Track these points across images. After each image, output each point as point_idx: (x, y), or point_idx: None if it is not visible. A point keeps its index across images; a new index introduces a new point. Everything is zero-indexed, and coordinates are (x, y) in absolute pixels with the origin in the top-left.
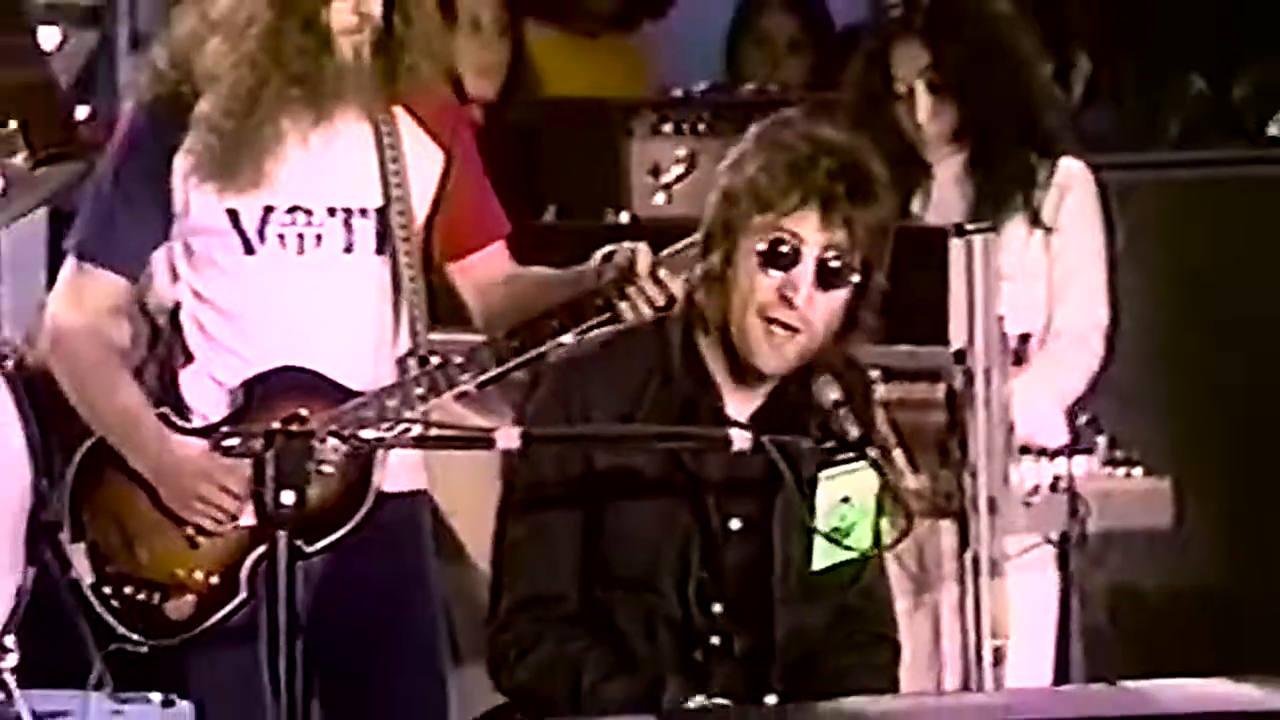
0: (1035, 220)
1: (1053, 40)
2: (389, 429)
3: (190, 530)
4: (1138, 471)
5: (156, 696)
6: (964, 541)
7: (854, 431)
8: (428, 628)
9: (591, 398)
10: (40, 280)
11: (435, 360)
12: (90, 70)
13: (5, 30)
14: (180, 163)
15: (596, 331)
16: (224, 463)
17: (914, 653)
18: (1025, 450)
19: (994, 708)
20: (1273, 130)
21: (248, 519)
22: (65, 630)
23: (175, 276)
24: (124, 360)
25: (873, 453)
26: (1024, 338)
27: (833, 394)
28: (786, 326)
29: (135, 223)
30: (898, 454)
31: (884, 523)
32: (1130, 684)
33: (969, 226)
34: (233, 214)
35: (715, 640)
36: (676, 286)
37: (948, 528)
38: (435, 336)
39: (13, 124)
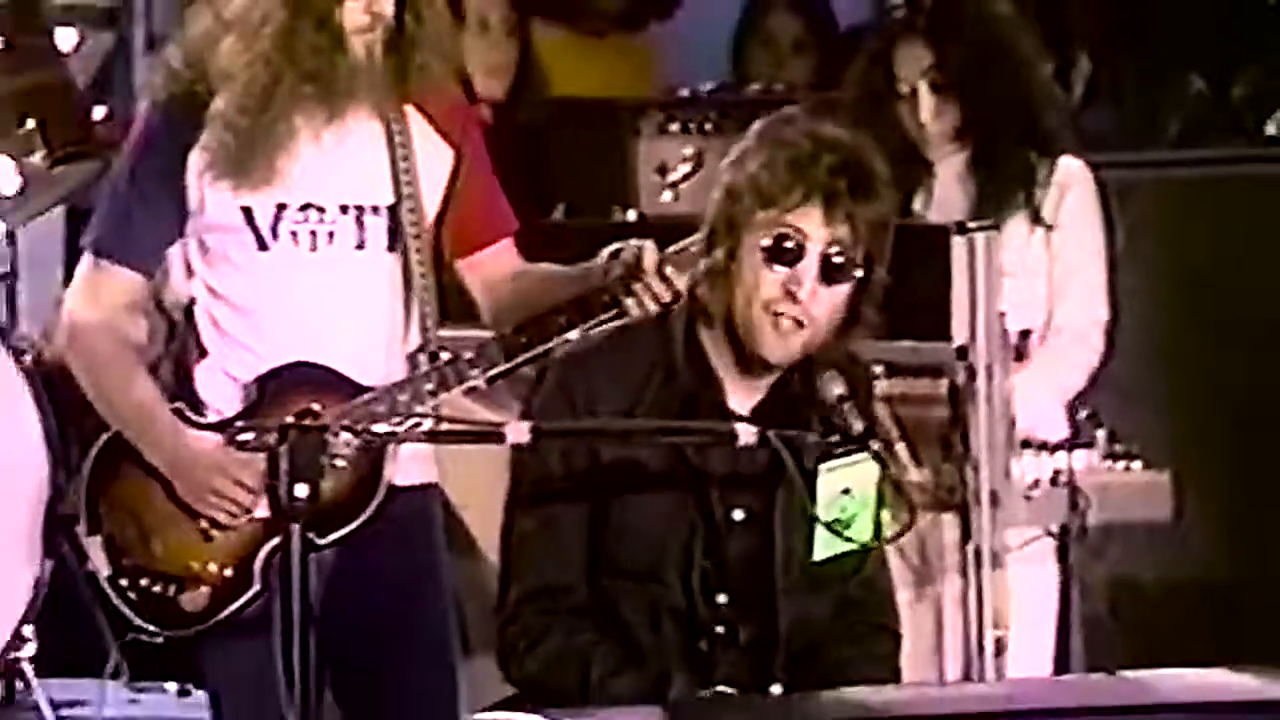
0: (1036, 218)
1: (1053, 40)
2: (400, 423)
3: (205, 523)
4: (1137, 465)
5: (172, 686)
6: (966, 534)
7: (858, 426)
8: (439, 619)
9: (596, 392)
10: (57, 277)
11: (445, 356)
12: (107, 71)
13: (23, 32)
14: (195, 160)
15: (603, 327)
16: (238, 456)
17: (917, 643)
18: (1026, 444)
19: (995, 697)
20: (1271, 129)
21: (261, 512)
22: (82, 621)
23: (190, 273)
24: (140, 356)
25: (876, 446)
26: (1025, 334)
27: (837, 389)
28: (791, 319)
29: (151, 220)
30: (901, 448)
31: (884, 514)
32: (1130, 674)
33: (971, 224)
34: (247, 211)
35: (720, 630)
36: (682, 283)
37: (950, 521)
38: (445, 333)
39: (31, 123)
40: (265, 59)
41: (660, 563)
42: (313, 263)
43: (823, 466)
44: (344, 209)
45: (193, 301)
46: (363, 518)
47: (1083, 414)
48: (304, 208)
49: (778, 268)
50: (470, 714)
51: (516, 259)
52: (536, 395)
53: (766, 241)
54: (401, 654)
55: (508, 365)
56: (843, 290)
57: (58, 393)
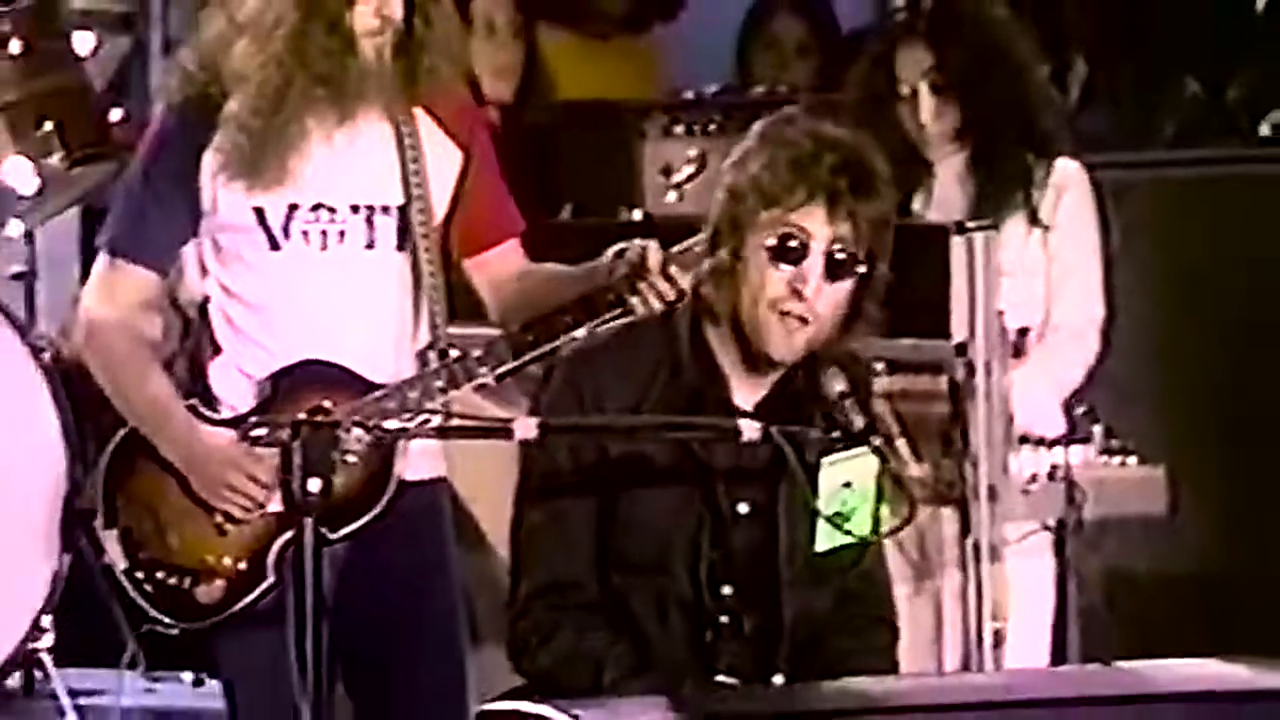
0: (1034, 218)
1: (1050, 44)
2: (410, 419)
3: (219, 517)
4: (1133, 460)
5: (188, 676)
6: (965, 528)
7: (859, 422)
8: (448, 612)
9: (603, 388)
10: (74, 276)
11: (454, 353)
12: (124, 74)
13: (42, 36)
14: (209, 161)
15: (609, 326)
16: (252, 452)
17: (917, 634)
18: (1024, 440)
19: (994, 687)
20: (1265, 130)
21: (274, 506)
22: (99, 613)
23: (204, 271)
24: (155, 352)
25: (877, 442)
26: (1023, 332)
27: (839, 386)
28: (797, 318)
29: (165, 220)
30: (901, 443)
31: (883, 508)
32: (1125, 664)
33: (970, 224)
34: (259, 211)
35: (724, 620)
36: (686, 282)
37: (949, 515)
38: (454, 330)
39: (49, 125)
40: (277, 61)
41: (668, 555)
42: (324, 262)
43: (824, 461)
44: (354, 209)
45: (207, 300)
46: (373, 512)
47: (1079, 410)
48: (315, 208)
49: (783, 266)
50: (479, 704)
51: (523, 259)
52: (545, 392)
53: (771, 241)
54: (411, 646)
55: (516, 363)
56: (846, 287)
57: (75, 389)
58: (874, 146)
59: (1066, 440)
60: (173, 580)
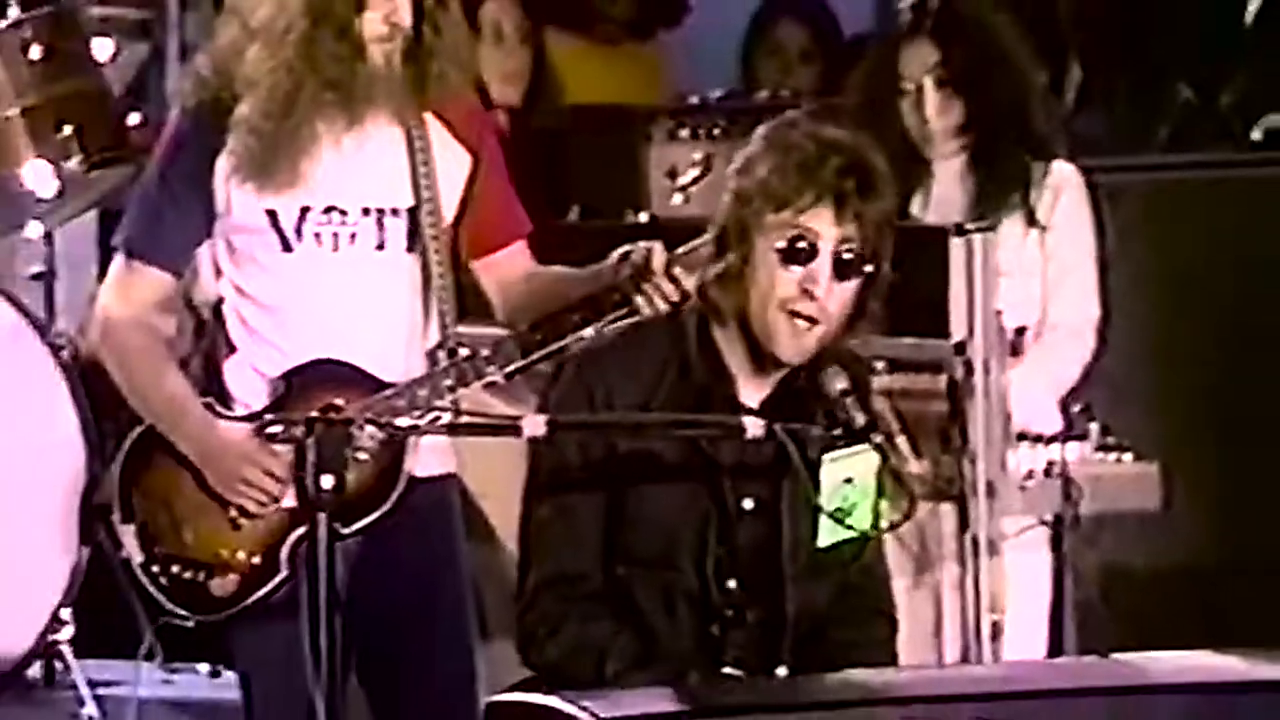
0: (1031, 219)
1: (1047, 49)
2: (420, 417)
3: (234, 512)
4: (1128, 457)
5: (204, 667)
6: (964, 523)
7: (860, 419)
8: (457, 605)
9: (613, 387)
10: (92, 276)
11: (463, 352)
12: (142, 79)
13: (62, 42)
14: (222, 164)
15: (614, 325)
16: (267, 447)
17: (917, 627)
18: (1022, 437)
19: (992, 679)
20: (1257, 135)
21: (288, 502)
22: (118, 605)
23: (218, 272)
24: (170, 351)
25: (878, 439)
26: (1020, 331)
27: (840, 384)
28: (808, 318)
29: (180, 221)
30: (901, 440)
31: (883, 503)
32: (1121, 656)
33: (969, 226)
34: (271, 213)
35: (729, 614)
36: (690, 282)
37: (948, 510)
38: (463, 329)
39: (68, 129)
40: (288, 67)
41: (674, 550)
42: (335, 263)
43: (826, 457)
44: (365, 211)
45: (221, 300)
46: (384, 508)
47: (1076, 408)
48: (327, 210)
49: (793, 268)
50: (489, 695)
51: (530, 261)
52: (555, 389)
53: (781, 243)
54: (422, 638)
55: (524, 361)
56: (853, 286)
57: (93, 386)
58: (875, 148)
59: (1063, 437)
60: (188, 574)
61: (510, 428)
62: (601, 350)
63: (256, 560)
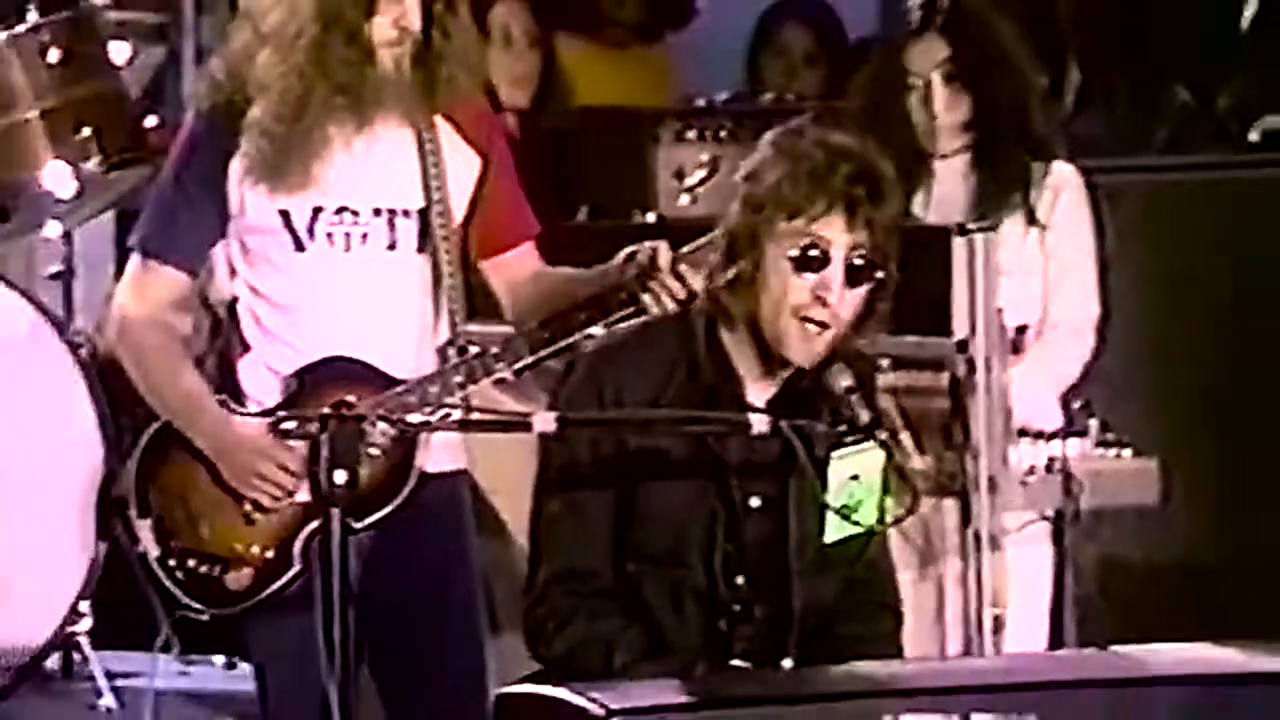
0: (1031, 219)
1: (1047, 52)
2: (432, 413)
3: (248, 507)
4: (1127, 453)
5: (220, 659)
6: (966, 518)
7: (865, 416)
8: (468, 599)
9: (623, 385)
10: (110, 275)
11: (473, 350)
12: (158, 82)
13: (80, 45)
14: (236, 166)
15: (622, 324)
16: (281, 442)
17: (920, 620)
18: (1023, 433)
19: (994, 671)
20: (1254, 136)
21: (301, 497)
22: (135, 598)
23: (233, 272)
24: (186, 349)
25: (882, 436)
26: (1021, 329)
27: (845, 381)
28: (819, 323)
29: (195, 222)
30: (905, 437)
31: (888, 499)
32: (1120, 648)
33: (970, 226)
34: (284, 214)
35: (737, 609)
36: (696, 281)
37: (951, 506)
38: (472, 328)
39: (87, 131)
40: (299, 71)
41: (683, 546)
42: (347, 263)
43: (832, 455)
44: (376, 212)
45: (235, 299)
46: (396, 503)
47: (1076, 405)
48: (339, 211)
49: (806, 275)
50: (498, 688)
51: (537, 261)
52: (566, 387)
53: (793, 252)
54: (432, 631)
55: (533, 358)
56: (863, 291)
57: (111, 383)
58: (880, 152)
59: (1064, 433)
60: (204, 568)
61: (521, 424)
62: (612, 349)
63: (271, 554)
